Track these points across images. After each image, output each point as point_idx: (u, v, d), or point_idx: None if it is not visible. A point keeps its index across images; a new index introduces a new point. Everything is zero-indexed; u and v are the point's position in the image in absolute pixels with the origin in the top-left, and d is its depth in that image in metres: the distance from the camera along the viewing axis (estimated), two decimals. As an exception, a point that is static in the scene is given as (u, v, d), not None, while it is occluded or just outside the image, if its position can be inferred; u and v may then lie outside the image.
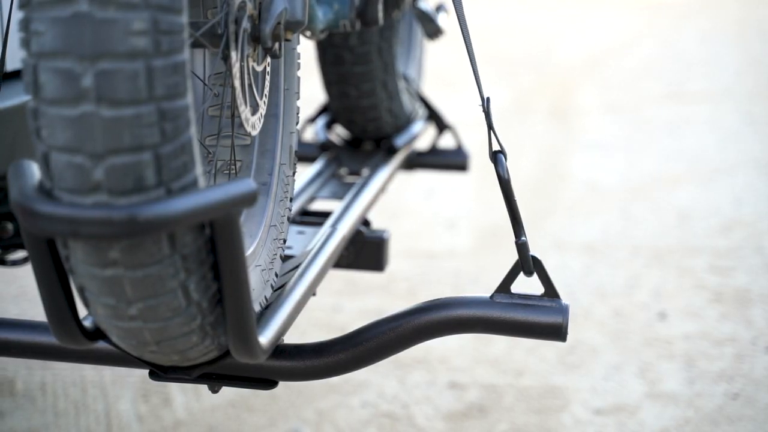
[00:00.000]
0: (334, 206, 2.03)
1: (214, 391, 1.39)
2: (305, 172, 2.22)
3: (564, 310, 1.36)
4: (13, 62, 1.54)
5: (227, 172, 1.42)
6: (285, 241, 1.49)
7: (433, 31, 2.32)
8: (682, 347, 2.66)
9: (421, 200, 3.83)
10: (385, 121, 2.35)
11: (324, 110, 2.41)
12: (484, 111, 1.39)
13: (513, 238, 1.37)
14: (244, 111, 1.30)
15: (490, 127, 1.38)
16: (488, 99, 1.40)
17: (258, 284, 1.35)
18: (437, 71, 4.89)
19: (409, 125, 2.45)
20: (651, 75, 5.65)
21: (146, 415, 2.32)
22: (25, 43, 1.00)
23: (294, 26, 1.37)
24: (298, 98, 1.50)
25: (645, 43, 6.43)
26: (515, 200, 1.37)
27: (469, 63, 1.39)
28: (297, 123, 1.50)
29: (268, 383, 1.39)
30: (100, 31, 0.97)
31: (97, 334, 1.20)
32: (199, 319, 1.14)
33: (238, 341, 1.18)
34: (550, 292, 1.36)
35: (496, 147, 1.39)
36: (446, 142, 2.68)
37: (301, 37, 1.67)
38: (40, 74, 0.99)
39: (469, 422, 2.33)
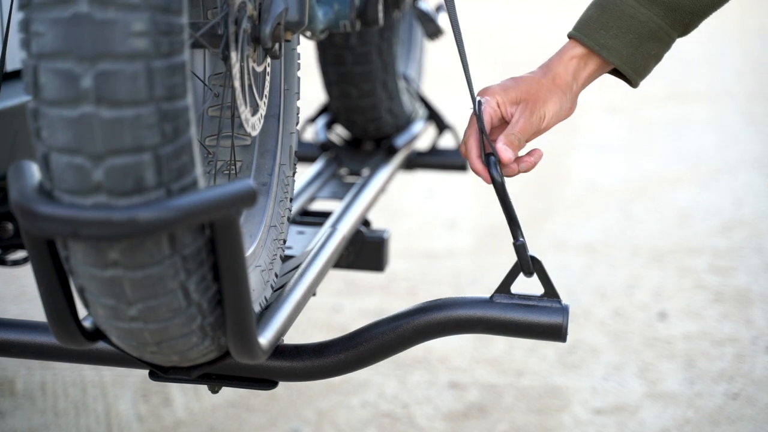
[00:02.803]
0: (334, 206, 2.03)
1: (214, 391, 1.39)
2: (305, 172, 2.22)
3: (564, 311, 1.36)
4: (13, 62, 1.54)
5: (227, 172, 1.42)
6: (285, 242, 1.49)
7: (433, 31, 2.32)
8: (683, 347, 2.66)
9: (421, 200, 3.83)
10: (386, 121, 2.35)
11: (324, 110, 2.41)
12: (475, 114, 1.39)
13: (511, 239, 1.38)
14: (244, 111, 1.30)
15: (482, 130, 1.39)
16: (480, 102, 1.41)
17: (258, 285, 1.35)
18: (437, 71, 4.89)
19: (409, 125, 2.45)
20: (651, 75, 5.65)
21: (146, 415, 2.32)
22: (26, 44, 1.00)
23: (294, 27, 1.37)
24: (298, 98, 1.50)
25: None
26: (510, 202, 1.38)
27: (461, 66, 1.40)
28: (297, 123, 1.50)
29: (268, 383, 1.39)
30: (100, 32, 0.97)
31: (96, 334, 1.20)
32: (199, 319, 1.14)
33: (238, 342, 1.18)
34: (550, 292, 1.37)
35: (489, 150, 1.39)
36: (446, 142, 2.68)
37: (301, 38, 1.67)
38: (40, 75, 0.99)
39: (469, 422, 2.33)
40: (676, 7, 1.41)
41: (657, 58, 1.45)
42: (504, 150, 1.39)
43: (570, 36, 1.45)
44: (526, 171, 1.44)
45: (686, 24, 1.44)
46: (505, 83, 1.44)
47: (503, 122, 1.44)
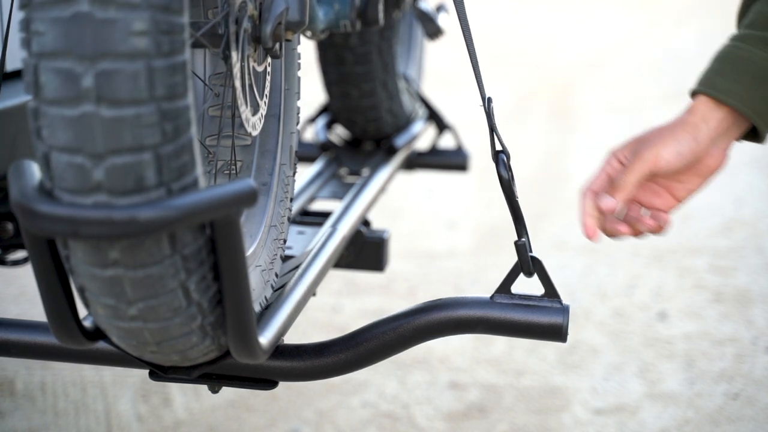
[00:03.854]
0: (334, 206, 2.03)
1: (214, 391, 1.39)
2: (305, 172, 2.22)
3: (564, 311, 1.36)
4: (13, 62, 1.54)
5: (228, 172, 1.42)
6: (285, 242, 1.49)
7: (434, 31, 2.32)
8: (683, 347, 2.66)
9: (421, 200, 3.83)
10: (386, 121, 2.35)
11: (324, 110, 2.41)
12: (485, 111, 1.38)
13: (513, 238, 1.37)
14: (245, 111, 1.30)
15: (491, 127, 1.37)
16: (489, 99, 1.40)
17: (258, 284, 1.35)
18: (437, 71, 4.89)
19: (409, 125, 2.45)
20: (651, 75, 5.65)
21: (146, 415, 2.32)
22: (26, 44, 1.00)
23: (295, 26, 1.37)
24: (299, 98, 1.50)
25: (645, 43, 6.43)
26: (517, 201, 1.37)
27: (470, 62, 1.39)
28: (297, 123, 1.50)
29: (269, 383, 1.39)
30: (101, 31, 0.97)
31: (97, 334, 1.20)
32: (199, 319, 1.14)
33: (239, 341, 1.18)
34: (551, 292, 1.36)
35: (498, 147, 1.39)
36: (446, 142, 2.68)
37: (302, 37, 1.67)
38: (40, 74, 0.99)
39: (469, 422, 2.33)
40: None
41: None
42: (605, 199, 1.37)
43: (691, 93, 1.42)
44: (635, 235, 1.40)
45: None
46: (627, 139, 1.43)
47: None
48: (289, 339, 1.40)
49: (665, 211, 1.43)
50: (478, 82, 1.38)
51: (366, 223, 2.08)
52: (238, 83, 1.26)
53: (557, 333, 1.35)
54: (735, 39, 1.42)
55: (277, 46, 1.33)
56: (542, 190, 3.89)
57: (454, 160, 2.54)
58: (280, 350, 1.37)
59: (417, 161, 2.53)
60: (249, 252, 1.34)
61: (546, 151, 4.39)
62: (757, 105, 1.38)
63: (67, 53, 0.98)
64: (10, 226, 1.73)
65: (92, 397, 2.39)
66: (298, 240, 1.78)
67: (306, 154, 2.39)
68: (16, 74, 1.57)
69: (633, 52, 6.19)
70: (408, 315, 1.38)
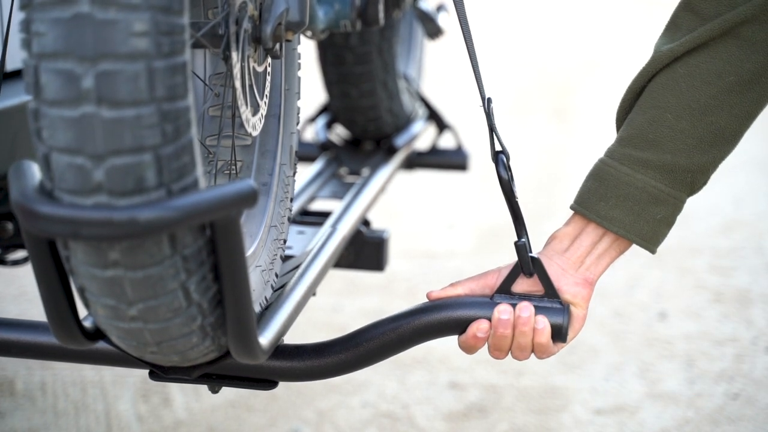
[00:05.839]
0: (334, 206, 2.03)
1: (214, 391, 1.39)
2: (305, 172, 2.22)
3: (564, 311, 1.36)
4: (13, 62, 1.54)
5: (228, 172, 1.42)
6: (285, 242, 1.49)
7: (434, 31, 2.32)
8: (683, 347, 2.66)
9: (421, 200, 3.83)
10: (386, 121, 2.35)
11: (324, 110, 2.41)
12: (485, 111, 1.38)
13: (513, 239, 1.38)
14: (245, 111, 1.30)
15: (491, 127, 1.37)
16: (489, 99, 1.39)
17: (258, 285, 1.35)
18: (437, 71, 4.89)
19: (409, 125, 2.45)
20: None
21: (146, 415, 2.32)
22: (26, 44, 1.00)
23: (295, 27, 1.37)
24: (299, 98, 1.50)
25: (645, 43, 6.43)
26: (516, 201, 1.37)
27: (470, 62, 1.39)
28: (297, 123, 1.50)
29: (268, 384, 1.39)
30: (101, 32, 0.97)
31: (97, 334, 1.20)
32: (199, 319, 1.14)
33: (239, 342, 1.18)
34: (551, 292, 1.37)
35: (497, 147, 1.38)
36: (446, 141, 2.68)
37: (302, 37, 1.67)
38: (41, 75, 0.99)
39: (469, 422, 2.33)
40: (671, 168, 1.36)
41: (667, 221, 1.40)
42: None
43: (572, 209, 1.40)
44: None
45: (690, 182, 1.38)
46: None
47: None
48: (289, 339, 1.40)
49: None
50: (477, 82, 1.38)
51: (366, 223, 2.08)
52: (238, 83, 1.26)
53: (557, 333, 1.35)
54: (614, 158, 1.38)
55: (278, 46, 1.33)
56: (542, 189, 3.89)
57: (454, 160, 2.54)
58: (279, 350, 1.37)
59: (417, 161, 2.53)
60: (249, 252, 1.34)
61: (546, 150, 4.39)
62: (642, 229, 1.39)
63: (68, 54, 0.98)
64: (10, 226, 1.73)
65: (92, 397, 2.38)
66: (298, 240, 1.78)
67: (306, 153, 2.39)
68: (16, 74, 1.57)
69: (633, 52, 6.19)
70: (408, 315, 1.38)
